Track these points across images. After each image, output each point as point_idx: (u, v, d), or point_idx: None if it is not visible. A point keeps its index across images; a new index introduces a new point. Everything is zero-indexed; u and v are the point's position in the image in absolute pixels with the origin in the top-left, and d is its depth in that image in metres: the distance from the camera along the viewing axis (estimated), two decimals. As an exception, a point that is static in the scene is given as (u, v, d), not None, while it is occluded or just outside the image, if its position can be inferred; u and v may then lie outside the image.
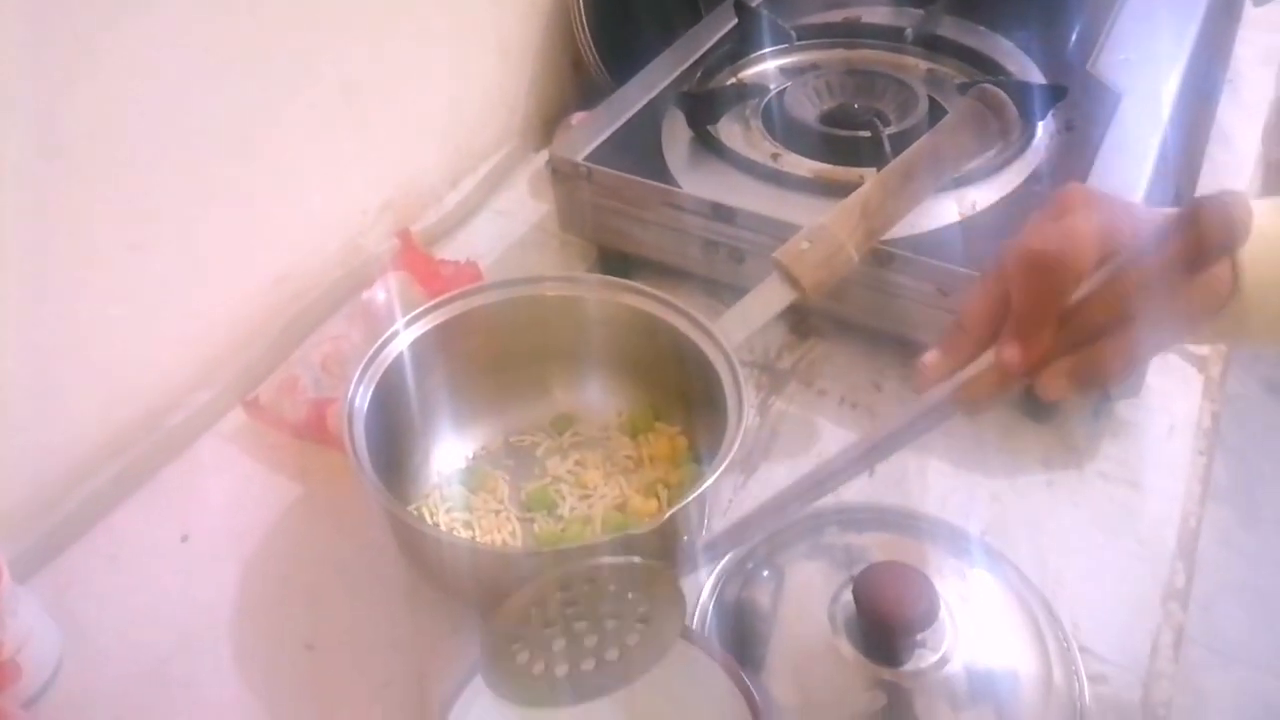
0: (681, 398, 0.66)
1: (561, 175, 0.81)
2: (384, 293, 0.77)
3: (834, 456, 0.47)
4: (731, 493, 0.69)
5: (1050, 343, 0.40)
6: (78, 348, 0.66)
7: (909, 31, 0.92)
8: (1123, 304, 0.39)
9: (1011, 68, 0.87)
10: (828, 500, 0.68)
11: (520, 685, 0.48)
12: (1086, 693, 0.56)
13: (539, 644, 0.48)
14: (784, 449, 0.72)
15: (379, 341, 0.62)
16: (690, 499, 0.55)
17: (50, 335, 0.64)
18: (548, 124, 1.04)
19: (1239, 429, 1.95)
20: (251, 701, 0.57)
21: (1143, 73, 0.87)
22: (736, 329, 0.64)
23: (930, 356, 0.44)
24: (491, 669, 0.48)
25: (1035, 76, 0.86)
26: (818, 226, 0.65)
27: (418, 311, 0.64)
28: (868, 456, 0.47)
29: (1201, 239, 0.38)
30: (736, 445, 0.57)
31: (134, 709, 0.57)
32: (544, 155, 0.90)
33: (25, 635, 0.55)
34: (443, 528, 0.63)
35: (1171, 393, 0.74)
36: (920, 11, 0.94)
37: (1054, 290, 0.40)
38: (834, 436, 0.72)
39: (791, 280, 0.64)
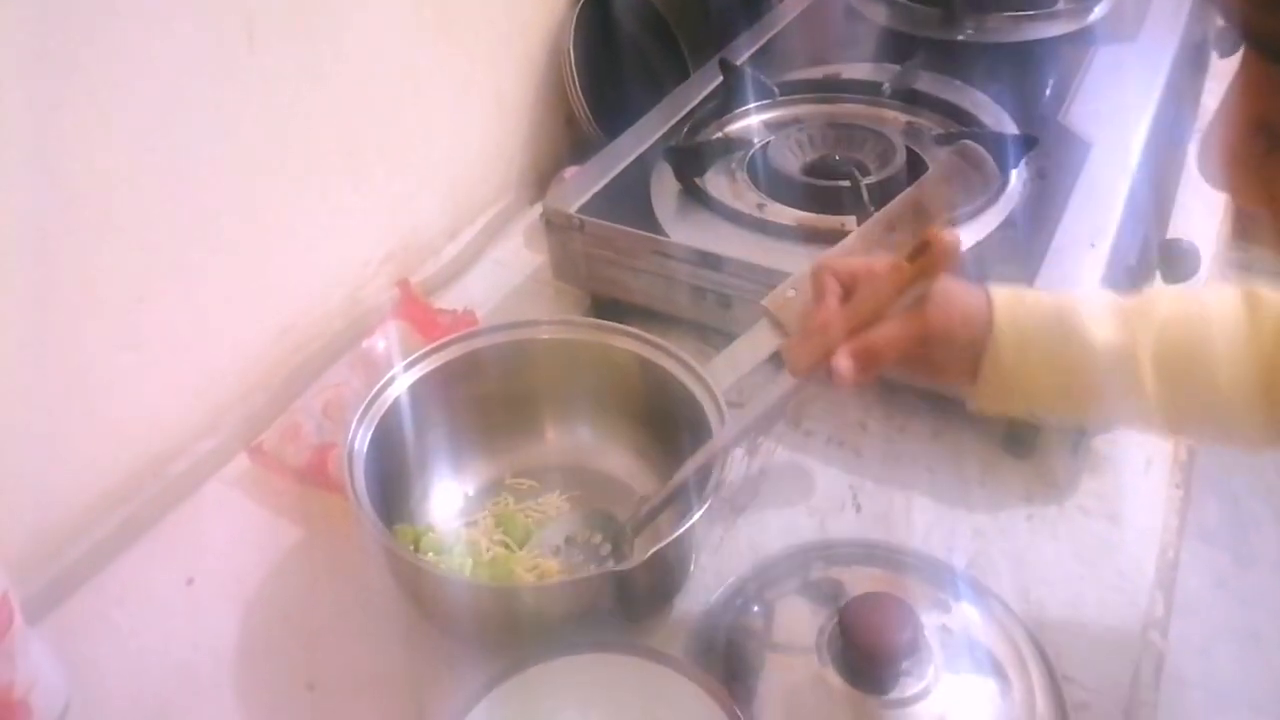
0: (671, 438, 0.69)
1: (555, 226, 0.84)
2: (383, 341, 0.80)
3: (724, 430, 0.61)
4: (723, 531, 0.70)
5: (831, 316, 0.56)
6: (85, 397, 0.68)
7: (887, 86, 0.96)
8: (876, 297, 0.56)
9: (986, 119, 0.91)
10: (814, 536, 0.70)
11: None
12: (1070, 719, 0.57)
13: None
14: (773, 489, 0.74)
15: (378, 385, 0.64)
16: (674, 536, 0.57)
17: (58, 384, 0.66)
18: (542, 178, 1.07)
19: (1231, 473, 1.96)
20: (254, 740, 0.58)
21: (1112, 123, 0.91)
22: (726, 373, 0.66)
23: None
24: None
25: (1008, 127, 0.90)
26: (803, 275, 0.68)
27: (416, 355, 0.66)
28: (756, 425, 0.62)
29: (926, 263, 0.55)
30: (723, 485, 0.59)
31: (139, 748, 0.58)
32: (539, 208, 0.93)
33: (35, 676, 0.56)
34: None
35: (1147, 429, 0.76)
36: (897, 67, 0.99)
37: (821, 282, 0.58)
38: (822, 475, 0.74)
39: (778, 326, 0.66)
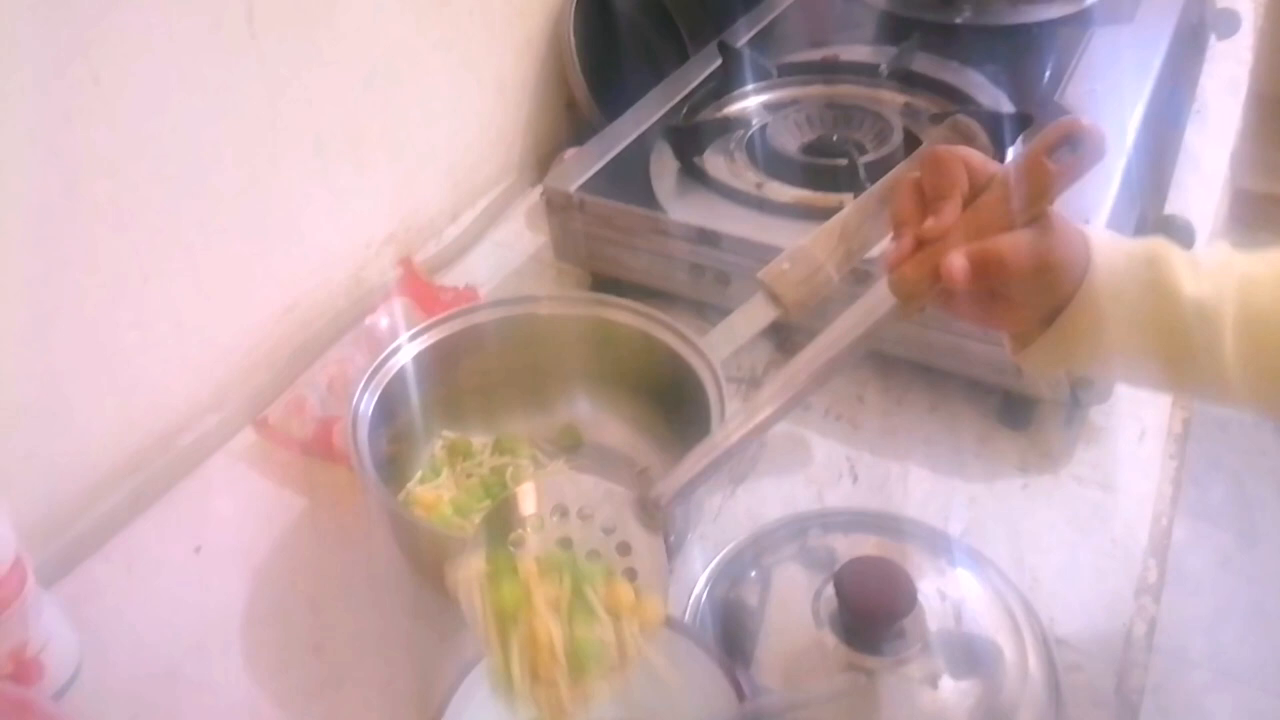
0: (668, 409, 0.70)
1: (556, 205, 0.85)
2: (386, 318, 0.81)
3: (792, 366, 0.51)
4: (721, 500, 0.71)
5: (955, 218, 0.47)
6: (96, 372, 0.70)
7: (884, 67, 0.97)
8: (1003, 200, 0.47)
9: (983, 99, 0.92)
10: (812, 504, 0.71)
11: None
12: (1062, 681, 0.58)
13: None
14: (771, 459, 0.75)
15: (383, 353, 0.65)
16: None
17: (69, 359, 0.68)
18: (543, 161, 1.08)
19: (1236, 453, 1.97)
20: (262, 700, 0.60)
21: (1108, 103, 0.92)
22: (723, 344, 0.67)
23: (887, 251, 0.49)
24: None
25: (1005, 107, 0.91)
26: (798, 248, 0.68)
27: (420, 327, 0.68)
28: (831, 365, 0.51)
29: (1061, 133, 0.46)
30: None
31: (149, 709, 0.59)
32: (540, 190, 0.94)
33: (47, 637, 0.58)
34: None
35: (1141, 400, 0.77)
36: (895, 49, 0.99)
37: (952, 173, 0.47)
38: (820, 447, 0.75)
39: (774, 298, 0.67)
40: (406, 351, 0.66)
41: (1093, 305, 0.49)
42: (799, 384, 0.50)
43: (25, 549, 0.57)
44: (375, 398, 0.63)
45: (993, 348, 0.72)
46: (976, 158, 0.48)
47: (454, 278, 0.93)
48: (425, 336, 0.68)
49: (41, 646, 0.57)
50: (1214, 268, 0.49)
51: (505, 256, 0.98)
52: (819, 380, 0.50)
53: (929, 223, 0.47)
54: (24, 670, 0.56)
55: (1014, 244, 0.47)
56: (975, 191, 0.48)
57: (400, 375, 0.65)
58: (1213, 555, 1.79)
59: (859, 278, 0.73)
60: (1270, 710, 1.59)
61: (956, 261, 0.46)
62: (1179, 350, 0.49)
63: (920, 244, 0.48)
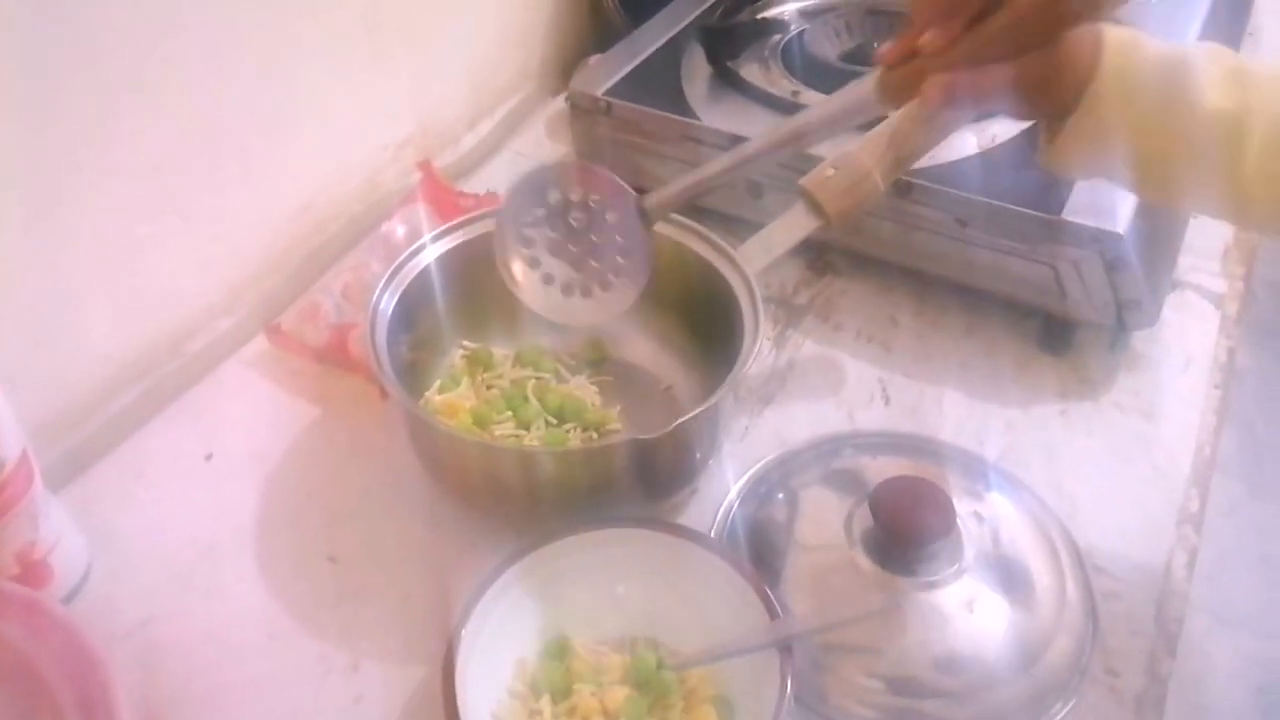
0: (698, 323, 0.67)
1: (580, 110, 0.81)
2: (403, 226, 0.78)
3: (761, 133, 0.57)
4: (748, 420, 0.69)
5: (953, 37, 0.47)
6: (103, 267, 0.66)
7: (929, -27, 0.92)
8: (1008, 29, 0.46)
9: (1032, 8, 0.87)
10: (842, 426, 0.69)
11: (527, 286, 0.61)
12: (1100, 608, 0.57)
13: (544, 247, 0.61)
14: (800, 381, 0.72)
15: (407, 252, 0.62)
16: (700, 410, 0.55)
17: (75, 253, 0.64)
18: (565, 69, 1.04)
19: (1248, 402, 1.95)
20: (276, 608, 0.58)
21: (1161, 21, 0.87)
22: (759, 256, 0.64)
23: (886, 45, 0.50)
24: (505, 247, 0.61)
25: (1056, 17, 0.86)
26: (844, 154, 0.65)
27: (445, 227, 0.64)
28: (798, 137, 0.56)
29: None
30: (750, 364, 0.58)
31: (161, 614, 0.58)
32: (561, 99, 0.90)
33: (56, 538, 0.56)
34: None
35: (1188, 328, 0.74)
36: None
37: None
38: (851, 369, 0.73)
39: (816, 207, 0.64)
40: (430, 252, 0.63)
41: (1099, 111, 0.48)
42: (782, 135, 0.56)
43: (33, 448, 0.55)
44: (395, 299, 0.60)
45: (1035, 265, 0.69)
46: None
47: (472, 187, 0.89)
48: (450, 238, 0.65)
49: (50, 549, 0.55)
50: (1259, 78, 0.47)
51: (525, 166, 0.94)
52: (802, 136, 0.55)
53: (927, 36, 0.47)
54: (32, 572, 0.54)
55: (999, 79, 0.47)
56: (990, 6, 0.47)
57: (422, 277, 0.63)
58: (1221, 503, 1.78)
59: (900, 189, 0.70)
60: (1272, 657, 1.60)
61: (934, 90, 0.47)
62: (1195, 161, 0.48)
63: (915, 52, 0.48)
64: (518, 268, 0.62)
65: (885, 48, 0.50)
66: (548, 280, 0.62)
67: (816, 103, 0.59)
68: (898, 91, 0.50)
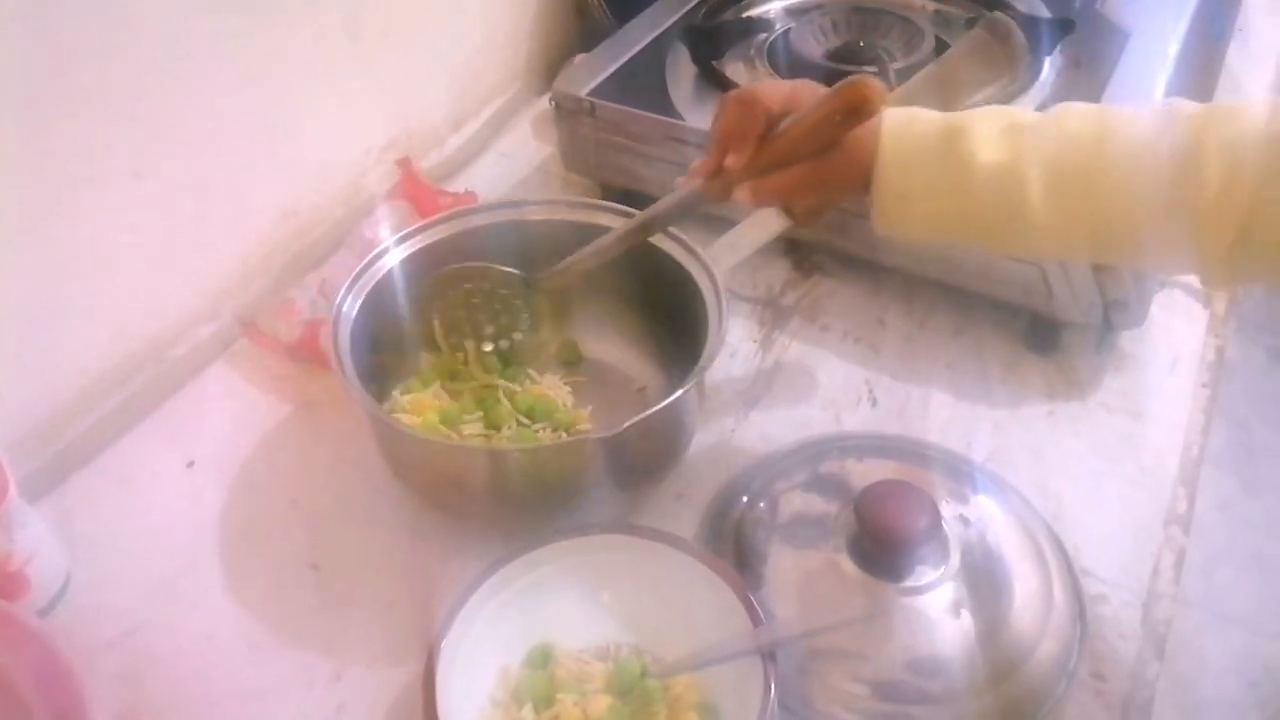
0: (668, 323, 0.66)
1: (565, 110, 0.81)
2: (382, 222, 0.77)
3: (615, 227, 0.63)
4: (734, 423, 0.69)
5: (752, 158, 0.55)
6: (84, 276, 0.66)
7: (915, -30, 0.91)
8: (794, 143, 0.55)
9: (1020, 5, 0.86)
10: (829, 428, 0.68)
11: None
12: (1087, 611, 0.56)
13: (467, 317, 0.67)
14: (786, 383, 0.72)
15: (370, 256, 0.62)
16: (659, 407, 0.55)
17: (56, 261, 0.64)
18: (550, 69, 1.03)
19: (1241, 397, 1.94)
20: (258, 617, 0.58)
21: (1151, 14, 0.86)
22: (727, 256, 0.64)
23: (696, 163, 0.59)
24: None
25: (1042, 13, 0.85)
26: None
27: (409, 230, 0.64)
28: (642, 228, 0.62)
29: (846, 102, 0.52)
30: (712, 363, 0.58)
31: (141, 624, 0.57)
32: (547, 97, 0.89)
33: (34, 549, 0.55)
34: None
35: (1175, 327, 0.74)
36: (927, -49, 0.94)
37: (750, 116, 0.55)
38: (838, 370, 0.72)
39: (785, 208, 0.64)
40: (395, 255, 0.63)
41: (887, 185, 0.54)
42: (633, 225, 0.62)
43: (7, 457, 0.55)
44: (360, 300, 0.60)
45: (1022, 266, 0.68)
46: (775, 99, 0.55)
47: (456, 188, 0.89)
48: (415, 239, 0.64)
49: (26, 559, 0.55)
50: (1030, 129, 0.52)
51: (510, 167, 0.93)
52: (650, 226, 0.62)
53: (729, 160, 0.55)
54: (8, 584, 0.54)
55: (794, 180, 0.55)
56: (780, 117, 0.55)
57: (388, 279, 0.62)
58: (1214, 499, 1.78)
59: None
60: (1265, 652, 1.60)
61: (744, 195, 0.56)
62: (983, 212, 0.53)
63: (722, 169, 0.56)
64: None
65: (698, 164, 0.58)
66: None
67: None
68: (719, 195, 0.57)
